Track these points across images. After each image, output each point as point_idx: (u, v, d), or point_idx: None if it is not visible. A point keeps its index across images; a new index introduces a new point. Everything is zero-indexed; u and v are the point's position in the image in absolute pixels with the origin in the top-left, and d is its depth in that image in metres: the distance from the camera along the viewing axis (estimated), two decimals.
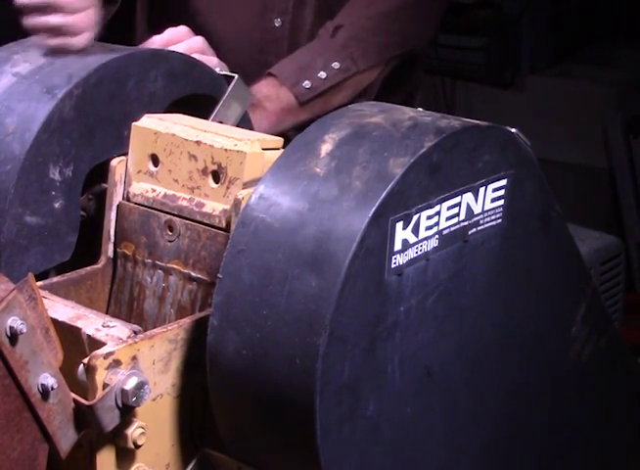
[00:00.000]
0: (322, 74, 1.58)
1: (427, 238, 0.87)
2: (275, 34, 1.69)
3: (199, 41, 1.40)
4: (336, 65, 1.60)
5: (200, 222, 1.02)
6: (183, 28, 1.41)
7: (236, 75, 1.22)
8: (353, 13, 1.65)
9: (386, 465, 0.89)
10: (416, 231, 0.86)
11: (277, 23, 1.68)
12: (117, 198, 1.07)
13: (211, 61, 1.34)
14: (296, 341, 0.81)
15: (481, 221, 0.92)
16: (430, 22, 1.75)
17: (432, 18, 1.75)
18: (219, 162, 1.00)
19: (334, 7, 1.67)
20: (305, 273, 0.82)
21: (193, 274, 1.02)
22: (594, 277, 1.36)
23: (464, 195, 0.89)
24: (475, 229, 0.92)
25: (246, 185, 0.99)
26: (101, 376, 0.86)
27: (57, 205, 1.06)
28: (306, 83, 1.57)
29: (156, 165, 1.05)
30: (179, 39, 1.38)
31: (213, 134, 1.02)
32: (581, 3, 3.42)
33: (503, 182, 0.93)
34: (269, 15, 1.68)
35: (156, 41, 1.36)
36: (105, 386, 0.86)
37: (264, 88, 1.55)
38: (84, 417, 0.87)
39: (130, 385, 0.86)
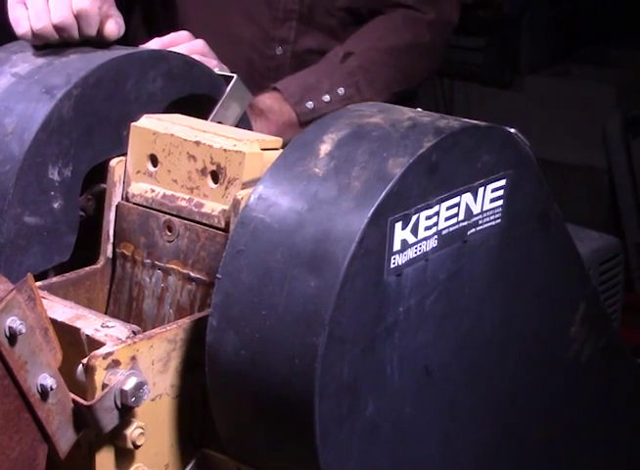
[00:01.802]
0: (326, 98, 1.60)
1: (426, 238, 0.87)
2: (277, 61, 1.71)
3: (200, 44, 1.41)
4: (341, 90, 1.62)
5: (199, 222, 1.02)
6: (184, 32, 1.41)
7: (235, 76, 1.22)
8: (365, 42, 1.67)
9: (385, 465, 0.89)
10: (415, 231, 0.86)
11: (278, 51, 1.70)
12: (116, 198, 1.07)
13: (211, 63, 1.35)
14: (295, 341, 0.81)
15: (480, 222, 0.92)
16: (434, 60, 1.79)
17: (436, 56, 1.79)
18: (218, 162, 1.00)
19: (336, 36, 1.69)
20: (304, 273, 0.82)
21: (192, 274, 1.02)
22: (593, 277, 1.36)
23: (463, 195, 0.89)
24: (474, 229, 0.92)
25: (245, 185, 0.99)
26: (100, 376, 0.86)
27: (56, 205, 1.06)
28: (310, 104, 1.59)
29: (155, 166, 1.05)
30: (180, 41, 1.38)
31: (212, 134, 1.02)
32: (581, 3, 3.43)
33: (502, 182, 0.93)
34: (271, 43, 1.70)
35: (156, 42, 1.37)
36: (104, 386, 0.86)
37: (268, 100, 1.57)
38: (83, 417, 0.87)
39: (129, 385, 0.86)
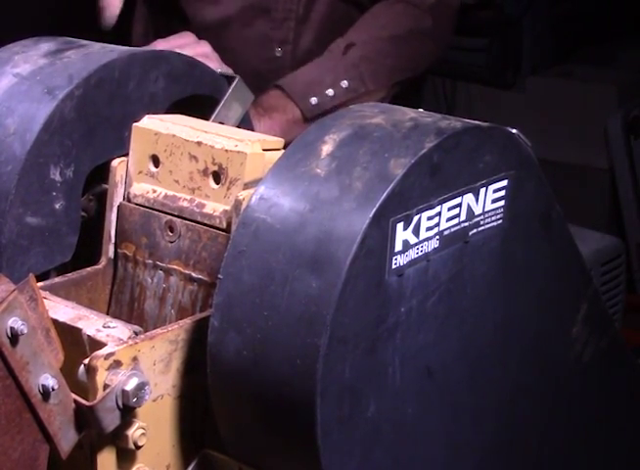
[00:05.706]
0: (330, 92, 1.59)
1: (427, 239, 0.87)
2: (277, 63, 1.70)
3: (203, 46, 1.41)
4: (344, 83, 1.60)
5: (200, 223, 1.02)
6: (187, 33, 1.41)
7: (237, 76, 1.22)
8: (366, 32, 1.65)
9: (386, 466, 0.89)
10: (416, 232, 0.86)
11: (278, 52, 1.69)
12: (118, 199, 1.07)
13: (213, 64, 1.35)
14: (296, 341, 0.81)
15: (482, 222, 0.92)
16: (438, 45, 1.76)
17: (440, 42, 1.76)
18: (220, 162, 1.00)
19: (335, 35, 1.68)
20: (306, 274, 0.82)
21: (193, 275, 1.02)
22: (595, 278, 1.36)
23: (464, 196, 0.89)
24: (475, 230, 0.92)
25: (246, 186, 0.99)
26: (101, 377, 0.86)
27: (58, 205, 1.06)
28: (314, 100, 1.57)
29: (156, 166, 1.05)
30: (183, 43, 1.38)
31: (214, 135, 1.02)
32: (582, 3, 3.43)
33: (504, 183, 0.93)
34: (270, 44, 1.69)
35: (160, 44, 1.37)
36: (105, 386, 0.86)
37: (271, 99, 1.56)
38: (85, 418, 0.87)
39: (131, 386, 0.86)
